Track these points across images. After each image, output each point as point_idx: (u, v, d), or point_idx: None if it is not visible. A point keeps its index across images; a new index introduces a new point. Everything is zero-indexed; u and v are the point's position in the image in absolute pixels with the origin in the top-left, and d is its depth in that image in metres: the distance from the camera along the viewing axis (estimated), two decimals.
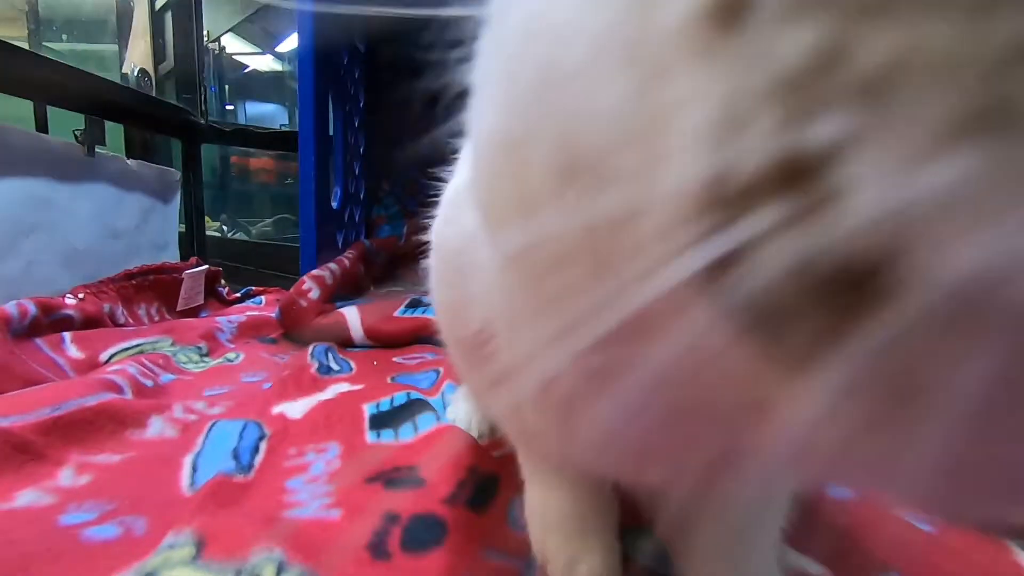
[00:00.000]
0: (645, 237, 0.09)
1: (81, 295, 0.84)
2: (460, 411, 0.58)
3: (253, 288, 1.26)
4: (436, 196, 0.29)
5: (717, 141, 0.08)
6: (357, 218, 1.33)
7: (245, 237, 2.45)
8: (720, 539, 0.29)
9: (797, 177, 0.08)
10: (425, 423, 0.56)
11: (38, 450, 0.47)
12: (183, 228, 1.40)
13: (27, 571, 0.34)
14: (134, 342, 0.78)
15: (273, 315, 0.94)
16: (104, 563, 0.35)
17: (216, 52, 2.47)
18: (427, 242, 0.30)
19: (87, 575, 0.34)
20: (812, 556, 0.37)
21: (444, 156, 0.28)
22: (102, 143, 1.04)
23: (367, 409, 0.60)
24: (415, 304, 1.01)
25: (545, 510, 0.33)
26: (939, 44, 0.07)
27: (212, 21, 1.99)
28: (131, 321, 0.90)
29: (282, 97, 3.06)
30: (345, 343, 0.87)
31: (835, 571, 0.36)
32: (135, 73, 1.40)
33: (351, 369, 0.75)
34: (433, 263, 0.29)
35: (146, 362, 0.69)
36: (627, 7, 0.09)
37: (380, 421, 0.57)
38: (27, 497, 0.42)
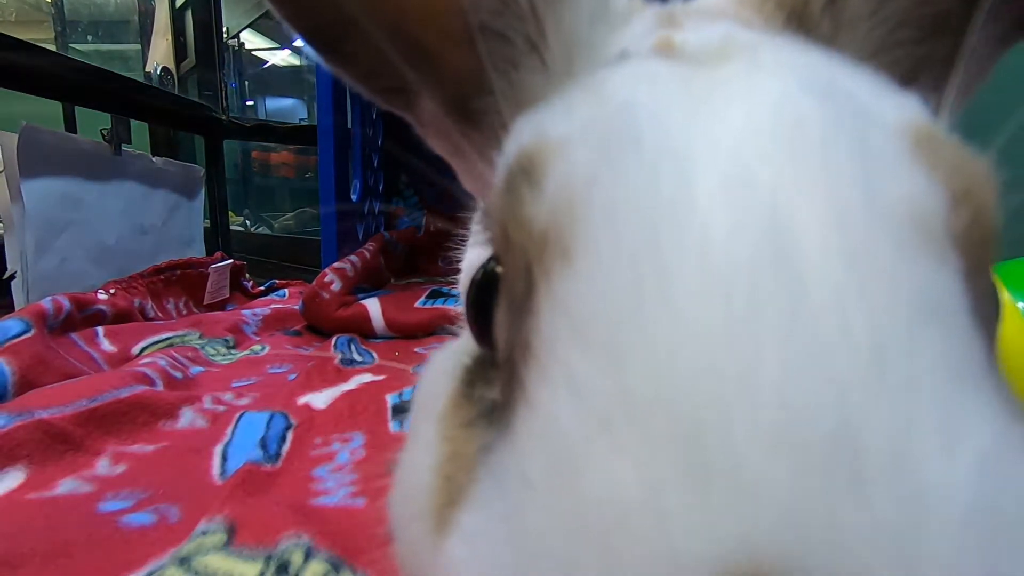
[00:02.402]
0: None
1: (112, 290, 0.87)
2: None
3: (277, 281, 1.28)
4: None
5: None
6: (377, 210, 1.34)
7: (268, 231, 2.48)
8: None
9: None
10: None
11: (76, 440, 0.49)
12: (208, 223, 1.43)
13: (69, 556, 0.35)
14: (164, 335, 0.80)
15: (296, 307, 0.96)
16: (141, 549, 0.36)
17: (235, 48, 2.50)
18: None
19: (125, 560, 0.35)
20: None
21: None
22: (128, 141, 1.06)
23: (390, 399, 0.61)
24: (435, 295, 1.02)
25: None
26: None
27: (231, 17, 2.01)
28: (160, 315, 0.93)
29: (301, 91, 3.08)
30: (367, 334, 0.88)
31: None
32: (158, 71, 1.42)
33: (373, 360, 0.76)
34: None
35: (176, 355, 0.71)
36: None
37: (403, 411, 0.58)
38: (67, 485, 0.44)
